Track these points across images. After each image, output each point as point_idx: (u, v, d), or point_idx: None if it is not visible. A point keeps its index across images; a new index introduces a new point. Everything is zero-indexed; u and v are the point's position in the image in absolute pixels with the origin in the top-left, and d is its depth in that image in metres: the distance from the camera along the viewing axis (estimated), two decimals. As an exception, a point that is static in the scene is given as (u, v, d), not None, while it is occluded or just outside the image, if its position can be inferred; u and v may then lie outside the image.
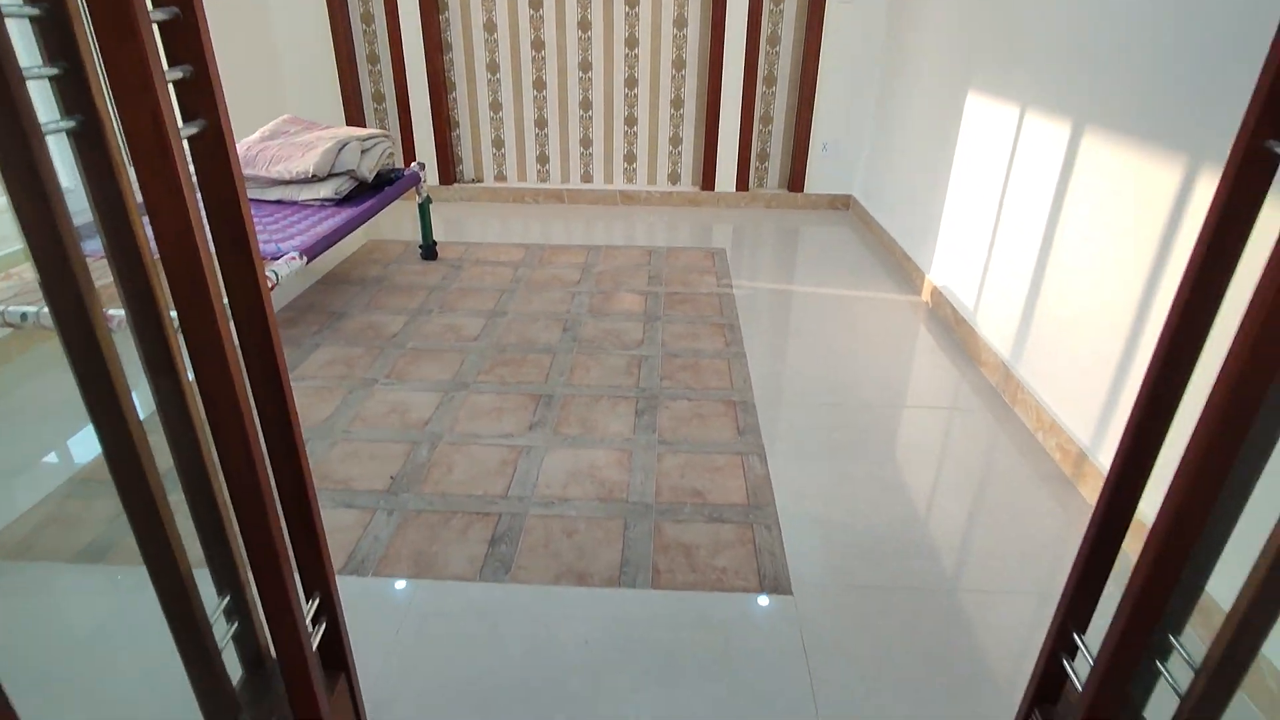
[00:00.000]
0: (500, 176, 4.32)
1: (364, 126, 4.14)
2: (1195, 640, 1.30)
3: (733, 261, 3.38)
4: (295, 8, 3.83)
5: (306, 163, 2.67)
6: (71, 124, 0.64)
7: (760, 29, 3.81)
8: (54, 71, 0.61)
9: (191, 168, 0.72)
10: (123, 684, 1.26)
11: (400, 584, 1.48)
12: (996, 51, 2.39)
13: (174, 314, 0.75)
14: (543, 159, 4.26)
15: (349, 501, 1.71)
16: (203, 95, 0.71)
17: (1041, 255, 2.05)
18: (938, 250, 2.84)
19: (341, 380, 2.27)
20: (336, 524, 1.64)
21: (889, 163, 3.54)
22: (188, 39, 0.69)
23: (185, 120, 0.71)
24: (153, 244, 0.71)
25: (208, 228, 0.76)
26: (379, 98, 4.14)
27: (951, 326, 2.65)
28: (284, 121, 3.06)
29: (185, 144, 0.70)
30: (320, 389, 2.22)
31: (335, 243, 2.39)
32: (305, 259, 2.14)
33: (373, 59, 4.04)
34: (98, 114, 0.64)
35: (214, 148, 0.73)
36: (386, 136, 3.01)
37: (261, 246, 2.22)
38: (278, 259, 2.11)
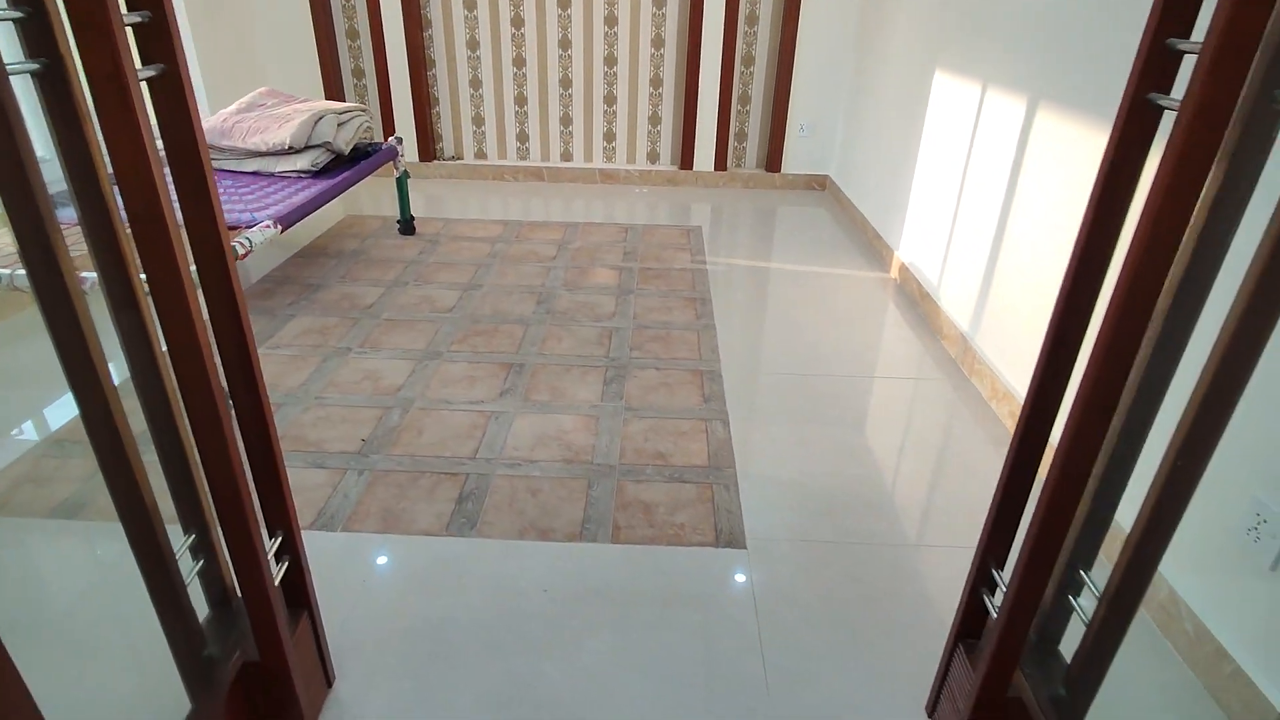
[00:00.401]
0: (480, 154, 4.33)
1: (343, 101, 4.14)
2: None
3: (709, 239, 3.43)
4: (273, -19, 3.81)
5: (283, 134, 2.69)
6: (35, 66, 0.67)
7: (739, 9, 3.84)
8: (19, 14, 0.65)
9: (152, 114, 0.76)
10: (96, 627, 1.30)
11: (368, 538, 1.53)
12: (963, 27, 2.44)
13: (144, 277, 0.79)
14: (523, 137, 4.27)
15: (320, 463, 1.76)
16: (161, 40, 0.74)
17: (998, 232, 2.11)
18: (906, 228, 2.90)
19: (316, 349, 2.30)
20: (307, 483, 1.69)
21: (863, 143, 3.59)
22: (145, -13, 0.72)
23: (144, 64, 0.75)
24: (120, 198, 0.75)
25: (169, 174, 0.80)
26: (359, 73, 4.14)
27: (917, 301, 2.71)
28: (261, 94, 3.06)
29: (145, 87, 0.74)
30: (294, 357, 2.25)
31: (310, 213, 2.42)
32: (280, 228, 2.16)
33: (352, 35, 4.04)
34: (61, 57, 0.68)
35: (173, 92, 0.77)
36: (364, 110, 3.02)
37: (236, 215, 2.24)
38: (252, 227, 2.13)
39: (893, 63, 3.19)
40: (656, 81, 4.10)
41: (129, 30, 0.71)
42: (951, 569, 1.49)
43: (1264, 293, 0.62)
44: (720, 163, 4.20)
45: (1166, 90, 0.71)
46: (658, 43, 4.00)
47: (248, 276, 2.80)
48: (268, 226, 2.11)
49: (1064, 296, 0.82)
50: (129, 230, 0.77)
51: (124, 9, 0.71)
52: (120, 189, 0.75)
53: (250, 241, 2.01)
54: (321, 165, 2.76)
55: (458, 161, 4.30)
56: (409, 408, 1.99)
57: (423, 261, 3.04)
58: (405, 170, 3.23)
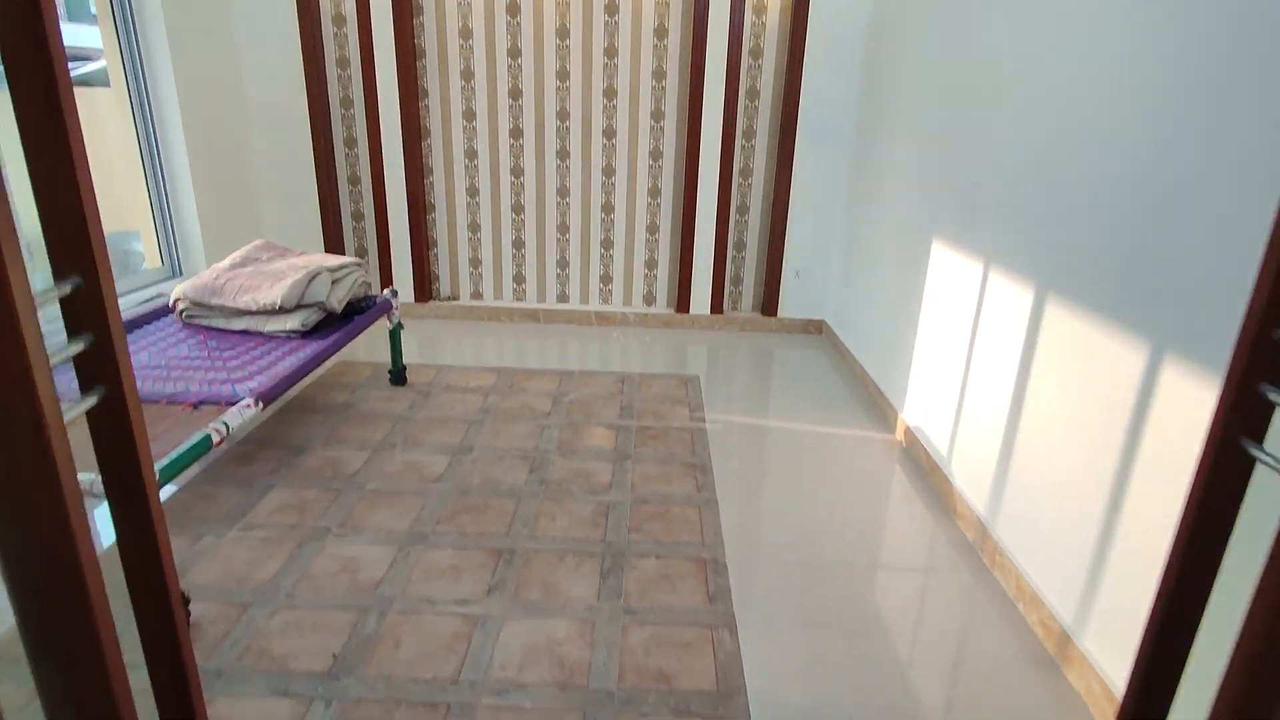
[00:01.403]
0: (476, 294, 4.33)
1: (340, 244, 4.16)
2: None
3: (706, 390, 3.36)
4: (278, 131, 3.90)
5: (274, 294, 2.64)
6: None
7: (733, 162, 3.95)
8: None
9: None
10: None
11: (330, 798, 1.33)
12: (956, 210, 2.46)
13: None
14: (519, 278, 4.29)
15: (285, 687, 1.57)
16: (106, 361, 0.65)
17: (1012, 413, 2.03)
18: (910, 390, 2.84)
19: (292, 529, 2.15)
20: (269, 716, 1.50)
21: (858, 293, 3.60)
22: (91, 307, 0.64)
23: (84, 392, 0.66)
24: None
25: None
26: (358, 216, 4.18)
27: (926, 472, 2.61)
28: (256, 247, 3.04)
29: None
30: (268, 541, 2.09)
31: (297, 382, 2.33)
32: (261, 404, 2.06)
33: (353, 180, 4.11)
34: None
35: (115, 418, 0.67)
36: (359, 265, 3.00)
37: (216, 389, 2.15)
38: (232, 404, 2.03)
39: (886, 224, 3.23)
40: (653, 227, 4.16)
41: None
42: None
43: None
44: (716, 306, 4.20)
45: (1257, 437, 0.63)
46: (654, 192, 4.09)
47: (230, 438, 2.67)
48: (248, 405, 2.01)
49: (1139, 674, 0.71)
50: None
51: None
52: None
53: (228, 426, 1.90)
54: (312, 324, 2.70)
55: (453, 302, 4.28)
56: (388, 609, 1.82)
57: (412, 418, 2.93)
58: (399, 322, 3.18)
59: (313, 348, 2.56)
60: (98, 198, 0.63)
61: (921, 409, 2.71)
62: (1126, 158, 1.60)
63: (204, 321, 2.74)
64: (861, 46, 3.67)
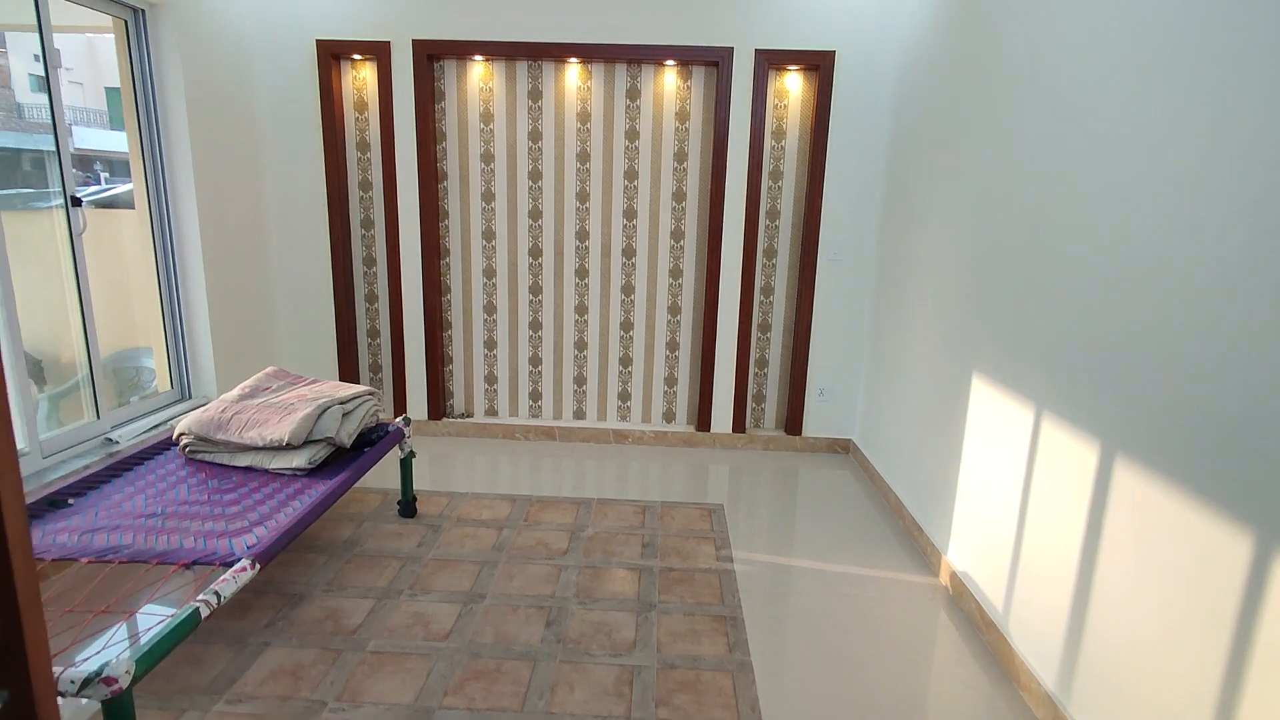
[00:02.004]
0: (492, 411, 4.21)
1: (355, 360, 4.09)
2: None
3: (731, 520, 3.17)
4: (298, 249, 3.91)
5: (282, 430, 2.52)
6: None
7: (754, 280, 3.89)
8: None
9: None
10: None
11: None
12: (998, 339, 2.35)
13: None
14: (535, 395, 4.18)
15: None
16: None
17: (1082, 575, 1.84)
18: (954, 530, 2.65)
19: (283, 704, 1.95)
20: None
21: (887, 414, 3.45)
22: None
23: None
24: None
25: None
26: (374, 334, 4.13)
27: (980, 628, 2.38)
28: (267, 375, 2.96)
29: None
30: (256, 718, 1.89)
31: (299, 534, 2.17)
32: (259, 566, 1.90)
33: (370, 298, 4.08)
34: None
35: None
36: (372, 394, 2.90)
37: (212, 545, 1.99)
38: (228, 565, 1.87)
39: (914, 345, 3.12)
40: (673, 345, 4.08)
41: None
42: None
43: None
44: (738, 424, 4.05)
45: None
46: (674, 309, 4.03)
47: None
48: (244, 569, 1.85)
49: None
50: None
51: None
52: None
53: (219, 596, 1.73)
54: (320, 461, 2.57)
55: (468, 420, 4.16)
56: (385, 815, 1.60)
57: (421, 558, 2.75)
58: (411, 450, 3.05)
59: (319, 489, 2.41)
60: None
61: (969, 554, 2.51)
62: (1231, 299, 1.48)
63: (208, 457, 2.62)
64: (883, 163, 3.68)
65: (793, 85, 3.73)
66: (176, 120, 3.15)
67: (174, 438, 2.68)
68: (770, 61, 3.60)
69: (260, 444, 2.54)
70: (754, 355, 4.06)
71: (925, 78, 3.14)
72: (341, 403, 2.73)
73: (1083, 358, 1.88)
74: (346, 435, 2.67)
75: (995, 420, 2.36)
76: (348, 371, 4.06)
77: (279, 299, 3.96)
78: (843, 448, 4.05)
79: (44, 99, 2.64)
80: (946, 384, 2.77)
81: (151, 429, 3.04)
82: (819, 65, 3.58)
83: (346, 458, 2.70)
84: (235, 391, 2.81)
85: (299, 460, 2.53)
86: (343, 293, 3.96)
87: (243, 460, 2.58)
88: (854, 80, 3.59)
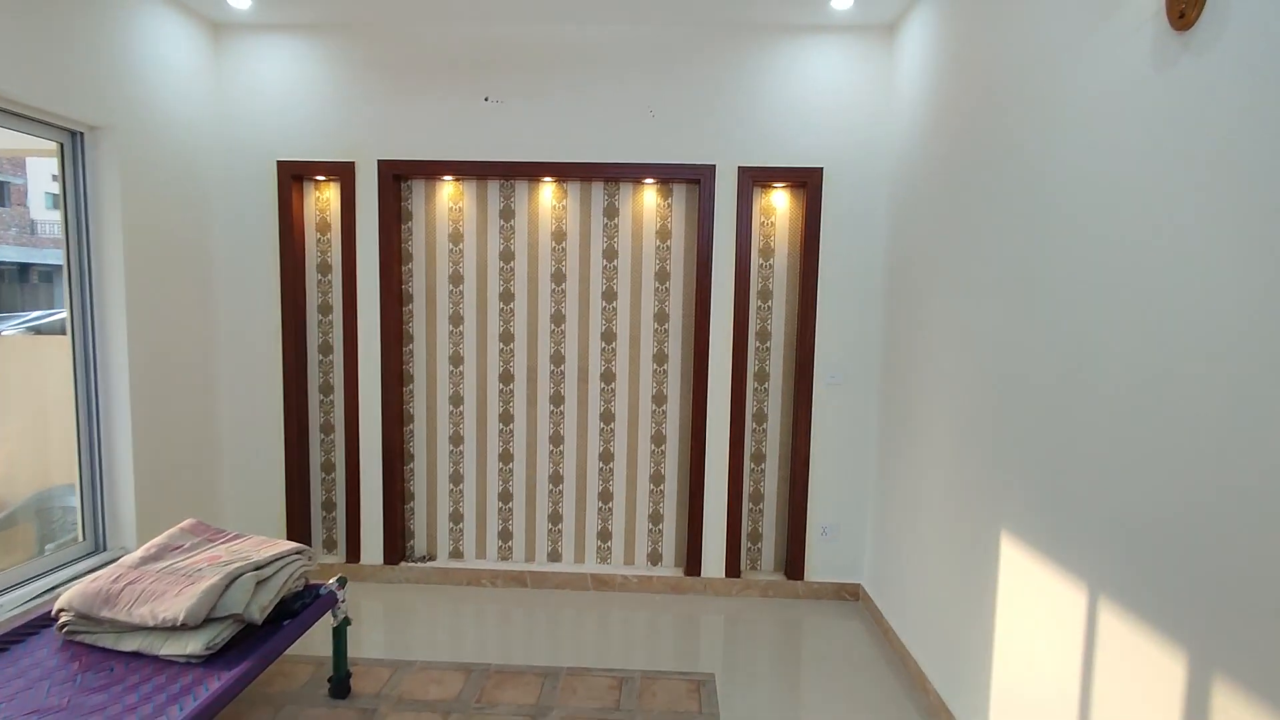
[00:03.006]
0: (456, 553, 3.77)
1: (306, 498, 3.69)
2: None
3: (724, 695, 2.68)
4: (245, 377, 3.59)
5: (177, 608, 2.10)
6: None
7: (745, 406, 3.55)
8: None
9: None
10: None
11: None
12: (1033, 499, 1.97)
13: None
14: (506, 535, 3.74)
15: None
16: None
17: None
18: (991, 713, 2.17)
19: None
20: None
21: (901, 559, 3.02)
22: None
23: None
24: None
25: None
26: (328, 467, 3.75)
27: None
28: (181, 531, 2.56)
29: None
30: None
31: (167, 755, 1.72)
32: (91, 821, 1.45)
33: (326, 429, 3.73)
34: None
35: None
36: (300, 553, 2.49)
37: (43, 785, 1.54)
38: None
39: (929, 481, 2.73)
40: (657, 478, 3.69)
41: None
42: None
43: None
44: (732, 567, 3.60)
45: None
46: (658, 439, 3.66)
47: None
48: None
49: None
50: None
51: None
52: None
53: None
54: (221, 645, 2.12)
55: (429, 564, 3.71)
56: None
57: (344, 760, 2.25)
58: (346, 617, 2.61)
59: (214, 684, 1.96)
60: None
61: (1015, 759, 2.03)
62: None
63: (90, 639, 2.17)
64: (881, 280, 3.41)
65: (779, 202, 3.53)
66: (110, 244, 2.90)
67: (53, 614, 2.25)
68: (754, 179, 3.41)
69: (152, 623, 2.11)
70: (748, 489, 3.66)
71: (924, 190, 2.91)
72: (258, 567, 2.31)
73: (1151, 532, 1.50)
74: (259, 609, 2.23)
75: (1036, 593, 1.94)
76: (297, 510, 3.65)
77: (223, 432, 3.60)
78: (851, 594, 3.58)
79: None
80: (970, 537, 2.37)
81: (44, 594, 2.61)
82: (806, 182, 3.39)
83: (260, 634, 2.26)
84: (138, 553, 2.40)
85: (195, 645, 2.09)
86: (295, 424, 3.61)
87: (130, 644, 2.14)
88: (844, 196, 3.39)
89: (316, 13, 3.28)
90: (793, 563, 3.59)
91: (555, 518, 3.73)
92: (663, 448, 3.67)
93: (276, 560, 2.38)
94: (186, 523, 2.62)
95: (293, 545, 2.50)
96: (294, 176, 3.51)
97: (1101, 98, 1.72)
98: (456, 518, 3.76)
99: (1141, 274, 1.55)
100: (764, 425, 3.63)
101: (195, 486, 3.40)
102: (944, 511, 2.60)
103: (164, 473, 3.18)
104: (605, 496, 3.71)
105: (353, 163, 3.46)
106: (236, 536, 2.59)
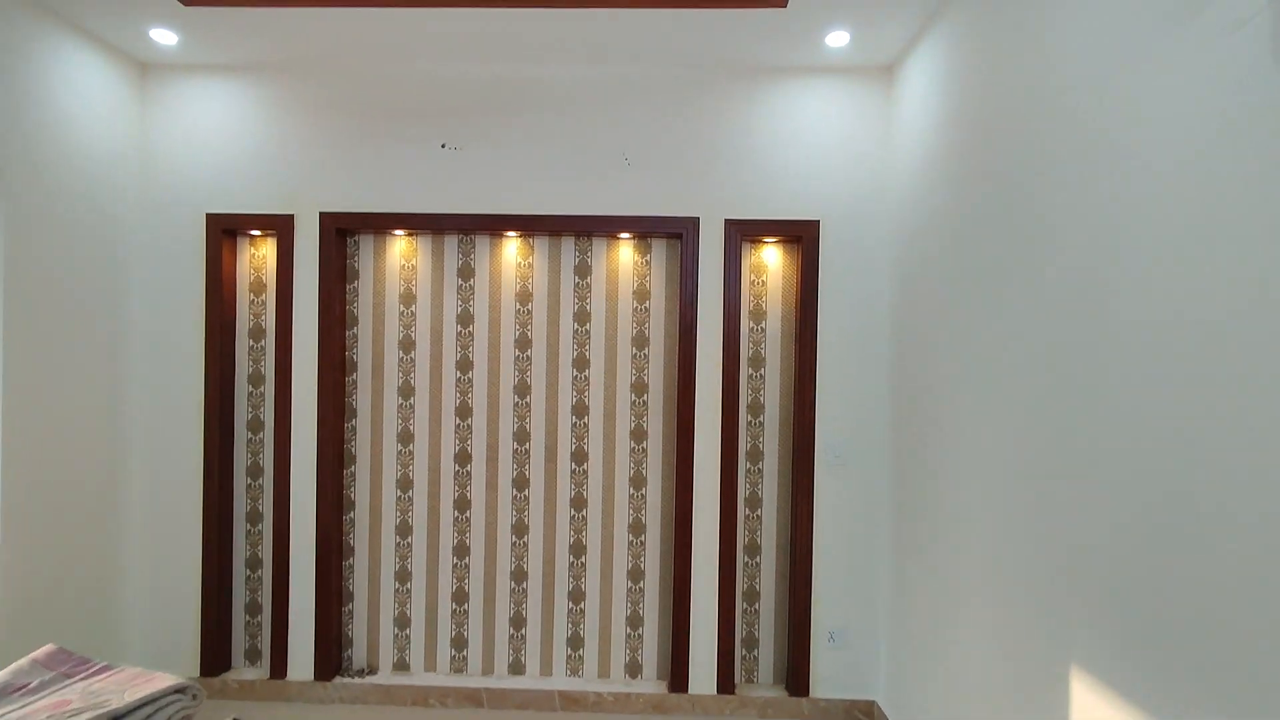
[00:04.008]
0: (402, 666, 3.21)
1: (228, 602, 3.14)
2: None
3: None
4: (159, 461, 3.09)
5: (-12, 785, 1.57)
6: None
7: (736, 490, 3.09)
8: None
9: None
10: None
11: None
12: (1115, 627, 1.52)
13: None
14: (459, 643, 3.20)
15: None
16: None
17: None
18: None
19: None
20: None
21: (926, 679, 2.52)
22: None
23: None
24: None
25: None
26: (254, 563, 3.22)
27: None
28: (33, 663, 2.03)
29: None
30: None
31: None
32: None
33: (254, 517, 3.21)
34: None
35: None
36: (181, 691, 1.97)
37: None
38: None
39: (963, 591, 2.27)
40: (636, 573, 3.19)
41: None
42: None
43: None
44: (725, 681, 3.06)
45: None
46: (636, 528, 3.18)
47: None
48: None
49: None
50: None
51: None
52: None
53: None
54: (47, 835, 1.59)
55: (369, 679, 3.15)
56: None
57: None
58: (239, 772, 2.06)
59: None
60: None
61: None
62: None
63: (-128, 825, 1.63)
64: (887, 345, 3.02)
65: (771, 259, 3.16)
66: (-13, 307, 2.47)
67: None
68: (743, 233, 3.04)
69: (-47, 806, 1.58)
70: (741, 586, 3.16)
71: (935, 243, 2.55)
72: (116, 719, 1.79)
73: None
74: (107, 779, 1.71)
75: (1129, 758, 1.47)
76: (214, 616, 3.10)
77: (127, 523, 3.08)
78: (865, 713, 3.05)
79: None
80: (1024, 663, 1.90)
81: None
82: (801, 236, 3.03)
83: (109, 812, 1.72)
84: (-35, 697, 1.88)
85: (6, 838, 1.55)
86: (216, 512, 3.10)
87: (-77, 833, 1.60)
88: (844, 251, 3.02)
89: (253, 51, 2.94)
90: (795, 674, 3.07)
91: (518, 622, 3.20)
92: (642, 538, 3.19)
93: (145, 706, 1.86)
94: (42, 651, 2.09)
95: (174, 683, 1.98)
96: (225, 231, 3.11)
97: (1182, 122, 1.36)
98: (402, 622, 3.22)
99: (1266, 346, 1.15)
100: (758, 512, 3.17)
101: (84, 591, 2.86)
102: (984, 623, 2.13)
103: (38, 576, 2.65)
104: (576, 596, 3.19)
105: (291, 215, 3.07)
106: (103, 669, 2.07)
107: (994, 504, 2.08)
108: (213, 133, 3.08)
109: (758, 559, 3.17)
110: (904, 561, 2.81)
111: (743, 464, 3.15)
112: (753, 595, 3.17)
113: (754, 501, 3.16)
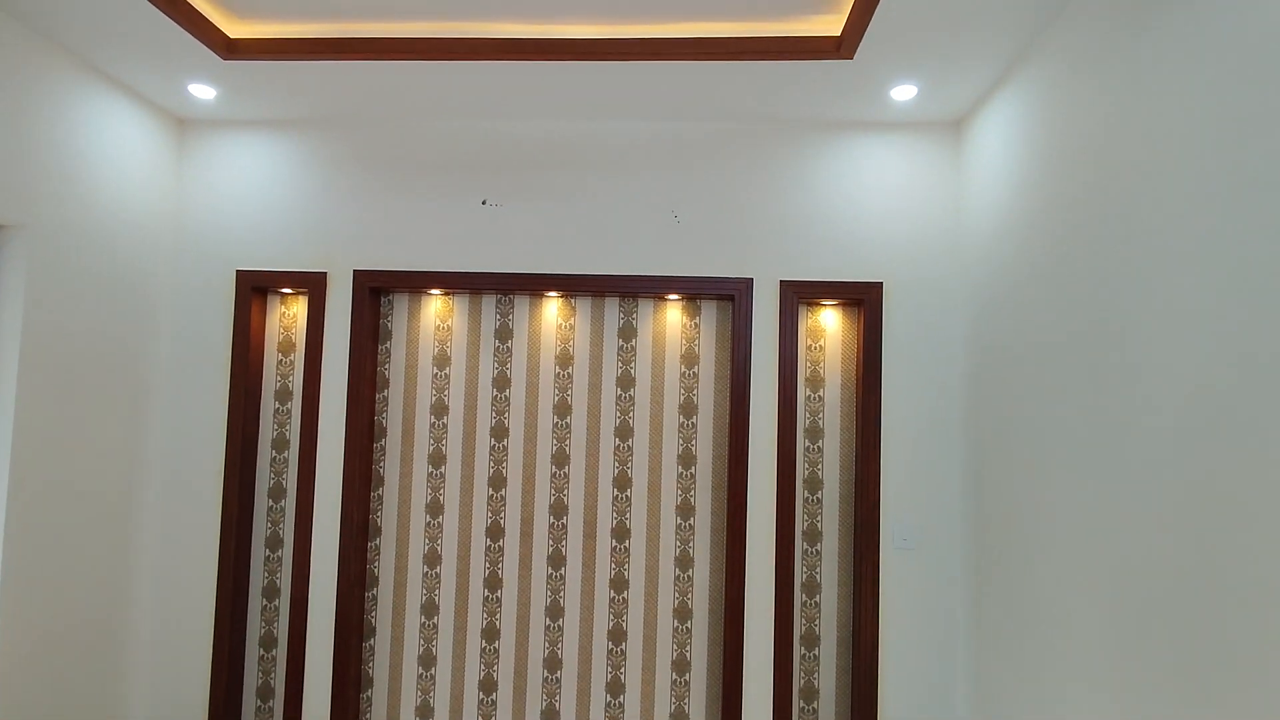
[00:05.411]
0: (421, 761, 2.94)
1: (238, 684, 2.91)
2: None
3: None
4: (174, 530, 2.91)
5: None
6: None
7: (792, 575, 2.81)
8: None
9: None
10: None
11: None
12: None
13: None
14: (486, 737, 2.93)
15: None
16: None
17: None
18: None
19: None
20: None
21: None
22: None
23: None
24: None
25: None
26: (269, 642, 2.99)
27: None
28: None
29: None
30: None
31: None
32: None
33: (270, 592, 3.00)
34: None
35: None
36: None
37: None
38: None
39: (1073, 706, 1.96)
40: (681, 665, 2.90)
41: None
42: None
43: None
44: (780, 792, 2.74)
45: None
46: (682, 613, 2.91)
47: None
48: None
49: None
50: None
51: None
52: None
53: None
54: None
55: (384, 776, 2.88)
56: None
57: None
58: None
59: None
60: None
61: None
62: None
63: None
64: (961, 413, 2.76)
65: (829, 322, 2.95)
66: (4, 363, 2.33)
67: None
68: (800, 295, 2.84)
69: None
70: (798, 681, 2.86)
71: (1022, 307, 2.32)
72: None
73: None
74: None
75: None
76: (223, 697, 2.86)
77: (138, 593, 2.88)
78: (939, 834, 2.70)
79: None
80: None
81: None
82: (863, 299, 2.82)
83: None
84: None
85: None
86: (231, 585, 2.90)
87: None
88: (910, 315, 2.81)
89: (289, 106, 2.86)
90: (859, 786, 2.74)
91: (550, 715, 2.92)
92: (688, 624, 2.91)
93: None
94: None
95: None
96: (255, 288, 2.98)
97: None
98: (425, 711, 2.95)
99: None
100: (816, 598, 2.88)
101: (88, 665, 2.65)
102: (1098, 757, 1.82)
103: (42, 646, 2.44)
104: (615, 688, 2.91)
105: (324, 273, 2.94)
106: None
107: (1099, 604, 1.79)
108: (246, 188, 2.98)
109: (815, 651, 2.87)
110: (985, 661, 2.50)
111: (800, 545, 2.89)
112: (810, 692, 2.86)
113: (811, 587, 2.88)
